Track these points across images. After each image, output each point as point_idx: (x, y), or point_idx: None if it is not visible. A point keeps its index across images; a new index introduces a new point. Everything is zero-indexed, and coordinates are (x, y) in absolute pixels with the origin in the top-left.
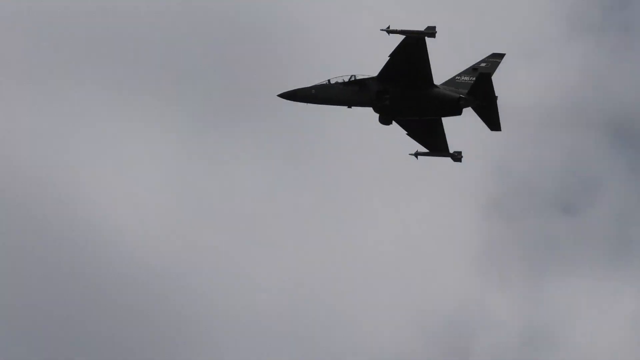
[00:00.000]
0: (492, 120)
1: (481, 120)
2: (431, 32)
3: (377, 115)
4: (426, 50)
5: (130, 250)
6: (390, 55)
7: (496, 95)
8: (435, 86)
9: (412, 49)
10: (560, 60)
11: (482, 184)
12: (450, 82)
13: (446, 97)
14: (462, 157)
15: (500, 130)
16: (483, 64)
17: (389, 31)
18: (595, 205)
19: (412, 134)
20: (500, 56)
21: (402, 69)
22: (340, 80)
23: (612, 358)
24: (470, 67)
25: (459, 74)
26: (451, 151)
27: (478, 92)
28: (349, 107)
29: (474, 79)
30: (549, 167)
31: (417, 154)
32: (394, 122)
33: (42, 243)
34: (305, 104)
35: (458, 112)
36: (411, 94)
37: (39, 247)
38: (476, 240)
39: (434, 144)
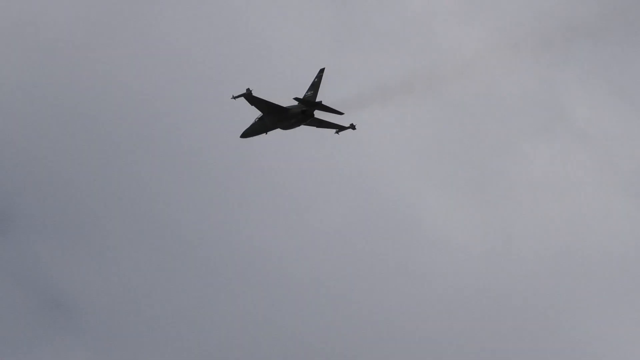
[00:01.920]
0: (333, 112)
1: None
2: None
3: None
4: (260, 100)
5: None
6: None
7: (319, 100)
8: (289, 109)
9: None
10: None
11: None
12: (305, 97)
13: (297, 113)
14: (355, 126)
15: (342, 113)
16: (316, 79)
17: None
18: None
19: (317, 126)
20: (322, 70)
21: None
22: (258, 117)
23: None
24: (311, 83)
25: (307, 90)
26: (347, 125)
27: (306, 103)
28: (268, 131)
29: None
30: None
31: (338, 132)
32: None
33: None
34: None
35: (312, 115)
36: (281, 117)
37: None
38: None
39: (330, 127)
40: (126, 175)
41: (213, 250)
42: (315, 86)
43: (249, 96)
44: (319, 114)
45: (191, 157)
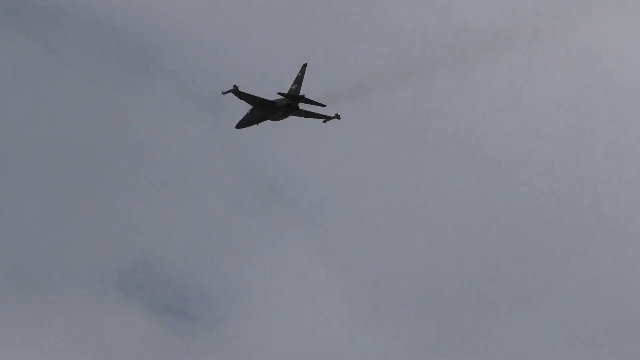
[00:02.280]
0: (316, 104)
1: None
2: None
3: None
4: (246, 95)
5: None
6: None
7: (301, 94)
8: (275, 102)
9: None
10: None
11: None
12: (290, 91)
13: (282, 106)
14: (339, 116)
15: (324, 105)
16: (300, 74)
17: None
18: None
19: (304, 116)
20: (305, 65)
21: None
22: (250, 110)
23: None
24: (296, 77)
25: (292, 84)
26: (333, 115)
27: (291, 97)
28: (259, 122)
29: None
30: None
31: (325, 121)
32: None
33: None
34: (251, 126)
35: (297, 108)
36: (269, 110)
37: None
38: None
39: (317, 117)
40: None
41: None
42: (298, 80)
43: (236, 92)
44: (304, 106)
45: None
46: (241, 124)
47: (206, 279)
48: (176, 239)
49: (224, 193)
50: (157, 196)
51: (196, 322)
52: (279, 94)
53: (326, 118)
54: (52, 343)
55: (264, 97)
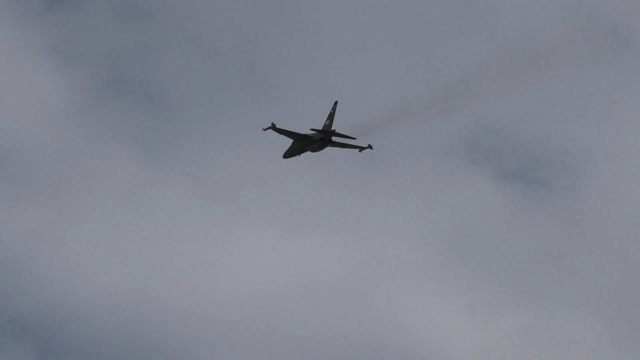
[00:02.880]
0: (347, 137)
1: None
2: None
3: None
4: (284, 130)
5: None
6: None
7: (333, 129)
8: (310, 136)
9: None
10: None
11: None
12: (324, 126)
13: (317, 140)
14: (372, 146)
15: (354, 138)
16: (332, 110)
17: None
18: None
19: (340, 147)
20: (336, 102)
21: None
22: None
23: None
24: (329, 113)
25: (326, 119)
26: (366, 146)
27: (323, 132)
28: (301, 153)
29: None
30: None
31: (360, 150)
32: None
33: None
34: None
35: (330, 141)
36: (306, 143)
37: None
38: None
39: (353, 147)
40: None
41: None
42: (331, 116)
43: (274, 128)
44: (338, 138)
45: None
46: (286, 155)
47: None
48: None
49: None
50: None
51: (549, 189)
52: (312, 129)
53: (360, 148)
54: (402, 211)
55: (300, 132)
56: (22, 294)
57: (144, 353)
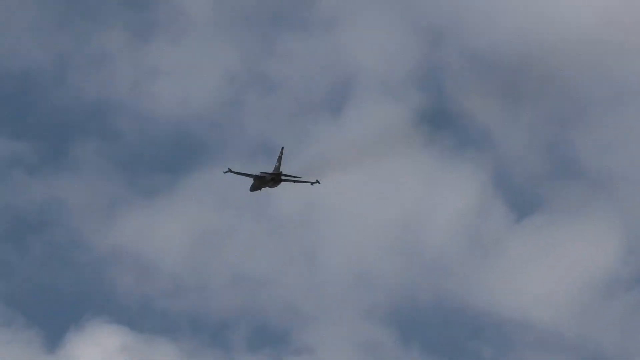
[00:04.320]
0: (293, 177)
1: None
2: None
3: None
4: (240, 173)
5: None
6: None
7: (280, 171)
8: (263, 177)
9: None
10: None
11: None
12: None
13: (269, 180)
14: (319, 181)
15: (299, 177)
16: (279, 154)
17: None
18: None
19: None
20: (282, 147)
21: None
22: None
23: None
24: (277, 156)
25: (277, 161)
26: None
27: (271, 174)
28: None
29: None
30: None
31: (312, 184)
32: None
33: None
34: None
35: (280, 179)
36: (263, 181)
37: None
38: None
39: (303, 182)
40: None
41: None
42: (279, 159)
43: (231, 171)
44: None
45: None
46: (251, 189)
47: None
48: None
49: None
50: None
51: None
52: (262, 172)
53: (311, 182)
54: None
55: (254, 174)
56: None
57: None
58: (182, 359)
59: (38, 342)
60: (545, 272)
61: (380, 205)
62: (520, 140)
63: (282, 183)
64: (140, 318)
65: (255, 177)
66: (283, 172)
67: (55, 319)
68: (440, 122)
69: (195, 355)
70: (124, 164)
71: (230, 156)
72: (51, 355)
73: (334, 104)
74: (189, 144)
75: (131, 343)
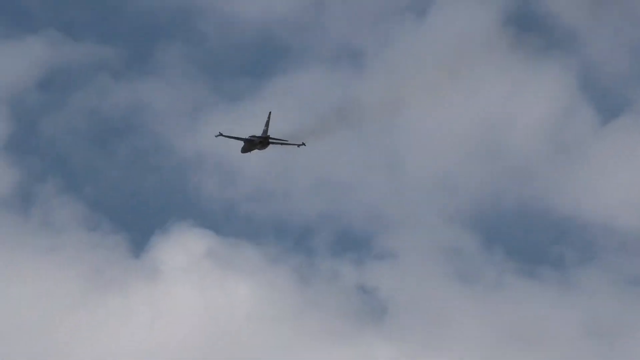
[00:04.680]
0: (281, 140)
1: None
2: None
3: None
4: (230, 136)
5: None
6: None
7: (268, 134)
8: (252, 140)
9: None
10: None
11: None
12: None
13: (258, 142)
14: (305, 143)
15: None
16: (267, 119)
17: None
18: None
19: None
20: (270, 112)
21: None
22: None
23: None
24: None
25: (264, 125)
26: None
27: (260, 137)
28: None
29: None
30: None
31: (298, 146)
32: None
33: None
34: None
35: (268, 142)
36: (252, 144)
37: None
38: None
39: (290, 144)
40: None
41: None
42: (267, 123)
43: (222, 135)
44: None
45: None
46: (242, 151)
47: None
48: None
49: None
50: None
51: None
52: (251, 136)
53: (297, 145)
54: None
55: (244, 137)
56: None
57: None
58: (265, 264)
59: (124, 247)
60: (631, 176)
61: (465, 109)
62: (608, 41)
63: (270, 145)
64: (224, 222)
65: (245, 140)
66: (270, 136)
67: (141, 224)
68: (526, 24)
69: (278, 260)
70: (208, 67)
71: (312, 60)
72: (137, 259)
73: (418, 7)
74: (273, 48)
75: (216, 247)
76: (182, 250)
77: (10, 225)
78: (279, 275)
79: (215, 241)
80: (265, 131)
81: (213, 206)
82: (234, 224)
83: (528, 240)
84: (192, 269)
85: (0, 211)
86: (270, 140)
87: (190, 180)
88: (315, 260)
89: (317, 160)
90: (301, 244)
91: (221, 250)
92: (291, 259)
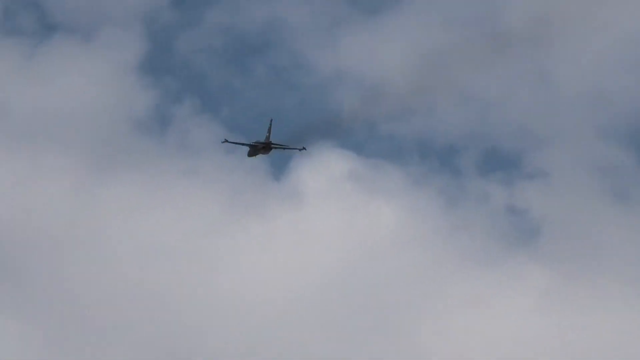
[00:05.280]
0: (282, 145)
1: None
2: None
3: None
4: (235, 142)
5: None
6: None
7: (270, 140)
8: (256, 145)
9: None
10: None
11: None
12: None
13: (261, 148)
14: (305, 148)
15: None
16: (269, 126)
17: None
18: None
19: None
20: (271, 120)
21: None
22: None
23: None
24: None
25: (267, 132)
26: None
27: (262, 143)
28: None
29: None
30: None
31: (300, 150)
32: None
33: None
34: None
35: (271, 148)
36: (256, 149)
37: None
38: None
39: (292, 149)
40: None
41: None
42: (269, 130)
43: (227, 141)
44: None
45: None
46: (248, 155)
47: None
48: None
49: None
50: None
51: None
52: (255, 141)
53: (299, 149)
54: None
55: (248, 143)
56: None
57: None
58: (410, 185)
59: (263, 169)
60: None
61: (620, 18)
62: None
63: (273, 150)
64: (366, 143)
65: (249, 145)
66: (272, 142)
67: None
68: None
69: (423, 181)
70: None
71: None
72: (277, 182)
73: None
74: None
75: (358, 168)
76: (323, 172)
77: (147, 148)
78: (424, 197)
79: (357, 162)
80: (268, 137)
81: (354, 126)
82: (375, 144)
83: None
84: (333, 191)
85: (136, 133)
86: (272, 146)
87: (330, 99)
88: (462, 180)
89: (462, 73)
90: (447, 164)
91: (363, 171)
92: (436, 180)
